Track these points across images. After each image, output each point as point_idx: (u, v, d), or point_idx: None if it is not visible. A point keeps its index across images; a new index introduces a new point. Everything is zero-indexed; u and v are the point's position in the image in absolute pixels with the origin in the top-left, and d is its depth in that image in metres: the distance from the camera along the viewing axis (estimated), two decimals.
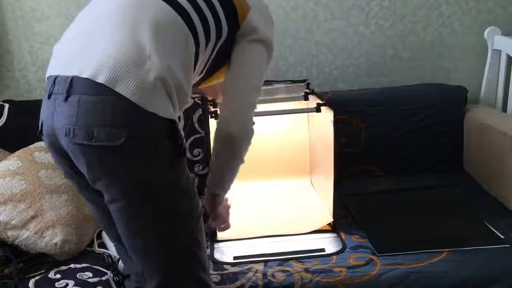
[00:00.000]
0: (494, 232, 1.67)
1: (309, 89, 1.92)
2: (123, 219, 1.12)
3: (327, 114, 1.71)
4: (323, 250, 1.62)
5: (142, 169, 1.07)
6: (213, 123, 1.66)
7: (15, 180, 1.65)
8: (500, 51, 2.18)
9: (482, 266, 1.51)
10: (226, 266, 1.56)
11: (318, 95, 1.87)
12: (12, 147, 1.85)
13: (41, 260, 1.59)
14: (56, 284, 1.50)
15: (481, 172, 2.05)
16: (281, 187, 2.09)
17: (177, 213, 1.14)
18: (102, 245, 1.67)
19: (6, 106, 2.01)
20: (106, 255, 1.61)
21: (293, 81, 2.00)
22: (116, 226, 1.16)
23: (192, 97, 2.08)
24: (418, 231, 1.72)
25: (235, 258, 1.61)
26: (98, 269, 1.55)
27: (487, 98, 2.23)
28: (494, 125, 1.97)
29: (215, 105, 1.73)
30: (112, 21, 1.10)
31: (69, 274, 1.53)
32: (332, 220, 1.75)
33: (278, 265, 1.55)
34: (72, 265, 1.58)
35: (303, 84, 1.95)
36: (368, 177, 2.11)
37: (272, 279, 1.49)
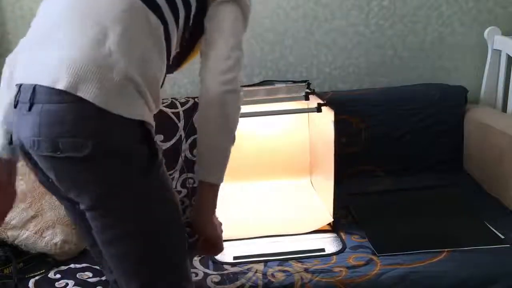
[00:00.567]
0: (494, 232, 1.67)
1: (310, 89, 1.92)
2: (97, 228, 1.06)
3: (327, 114, 1.70)
4: (323, 250, 1.62)
5: (113, 179, 1.01)
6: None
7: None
8: (500, 51, 2.18)
9: (482, 266, 1.50)
10: (226, 266, 1.56)
11: (319, 95, 1.87)
12: None
13: (41, 260, 1.59)
14: (56, 284, 1.50)
15: (481, 172, 2.05)
16: (281, 187, 2.09)
17: (154, 223, 1.07)
18: None
19: None
20: None
21: (294, 81, 2.00)
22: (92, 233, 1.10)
23: (192, 97, 2.09)
24: (418, 231, 1.72)
25: (235, 258, 1.61)
26: (98, 269, 1.55)
27: (487, 98, 2.23)
28: (494, 125, 1.97)
29: None
30: (63, 20, 1.03)
31: (69, 274, 1.53)
32: (332, 220, 1.75)
33: (278, 265, 1.55)
34: (72, 265, 1.58)
35: (304, 84, 1.95)
36: (368, 177, 2.11)
37: (272, 279, 1.49)
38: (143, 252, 1.08)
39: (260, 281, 1.48)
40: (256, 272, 1.52)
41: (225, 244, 1.67)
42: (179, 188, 2.07)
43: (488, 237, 1.65)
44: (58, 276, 1.54)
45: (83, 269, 1.56)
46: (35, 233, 1.58)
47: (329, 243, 1.67)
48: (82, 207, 1.05)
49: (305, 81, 1.97)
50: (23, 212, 1.59)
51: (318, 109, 1.72)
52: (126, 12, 1.02)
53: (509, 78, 2.18)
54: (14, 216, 1.58)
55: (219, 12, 1.16)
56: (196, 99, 2.01)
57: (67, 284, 1.50)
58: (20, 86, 1.02)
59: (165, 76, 1.15)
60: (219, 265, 1.57)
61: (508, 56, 2.15)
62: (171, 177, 2.07)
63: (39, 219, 1.59)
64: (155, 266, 1.10)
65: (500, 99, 2.20)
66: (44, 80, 0.97)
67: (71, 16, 1.02)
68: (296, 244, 1.67)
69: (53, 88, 0.95)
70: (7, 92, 1.11)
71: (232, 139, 1.17)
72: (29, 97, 0.98)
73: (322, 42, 2.24)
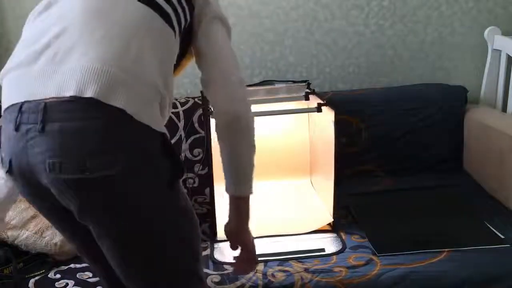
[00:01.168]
0: (494, 232, 1.67)
1: (310, 89, 1.92)
2: (117, 251, 1.00)
3: (327, 114, 1.70)
4: (323, 250, 1.62)
5: (143, 196, 0.95)
6: (213, 123, 1.66)
7: None
8: (500, 51, 2.18)
9: (482, 266, 1.50)
10: (226, 266, 1.56)
11: (319, 95, 1.87)
12: None
13: (41, 260, 1.59)
14: (56, 284, 1.50)
15: (481, 172, 2.05)
16: (281, 187, 2.09)
17: (181, 238, 1.06)
18: None
19: None
20: None
21: (294, 81, 2.00)
22: (103, 253, 1.04)
23: (192, 97, 2.09)
24: (418, 231, 1.72)
25: (235, 258, 1.60)
26: None
27: (487, 98, 2.23)
28: (494, 125, 1.97)
29: None
30: (77, 28, 0.96)
31: (69, 274, 1.54)
32: (332, 220, 1.75)
33: (278, 265, 1.55)
34: (72, 265, 1.58)
35: (304, 84, 1.95)
36: (368, 177, 2.11)
37: (272, 279, 1.49)
38: (170, 269, 1.06)
39: (260, 281, 1.48)
40: (256, 272, 1.52)
41: (225, 244, 1.69)
42: None
43: (488, 237, 1.65)
44: (58, 276, 1.54)
45: (83, 269, 1.56)
46: (35, 233, 1.58)
47: (329, 243, 1.67)
48: (98, 231, 0.98)
49: (305, 81, 1.97)
50: (23, 212, 1.59)
51: (318, 109, 1.71)
52: (146, 19, 1.00)
53: (509, 78, 2.18)
54: (14, 216, 1.58)
55: (211, 32, 1.17)
56: (196, 99, 2.01)
57: (67, 284, 1.50)
58: (21, 105, 0.93)
59: None
60: (219, 265, 1.57)
61: (508, 56, 2.15)
62: None
63: (39, 219, 1.59)
64: (180, 283, 1.10)
65: (500, 99, 2.20)
66: (67, 90, 0.88)
67: (90, 22, 0.96)
68: (296, 244, 1.67)
69: (74, 102, 0.88)
70: None
71: (254, 149, 1.20)
72: (41, 116, 0.89)
73: (322, 42, 2.24)
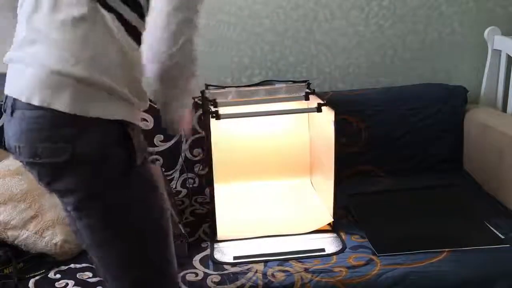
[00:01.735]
0: (494, 232, 1.67)
1: (310, 89, 1.92)
2: (82, 230, 1.07)
3: (327, 114, 1.70)
4: (323, 250, 1.62)
5: (92, 181, 1.01)
6: (213, 123, 1.66)
7: (15, 180, 1.65)
8: (500, 51, 2.18)
9: (482, 266, 1.50)
10: (226, 266, 1.56)
11: (319, 95, 1.87)
12: None
13: (41, 260, 1.59)
14: (56, 284, 1.50)
15: (481, 172, 2.05)
16: (281, 187, 2.09)
17: (136, 229, 1.07)
18: None
19: None
20: None
21: (294, 81, 2.00)
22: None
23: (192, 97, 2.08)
24: (418, 231, 1.72)
25: (235, 258, 1.61)
26: None
27: (487, 98, 2.23)
28: (494, 125, 1.97)
29: (215, 105, 1.73)
30: (27, 33, 1.02)
31: (69, 274, 1.53)
32: (332, 220, 1.75)
33: (278, 265, 1.55)
34: (72, 265, 1.58)
35: (304, 84, 1.95)
36: (368, 177, 2.11)
37: (272, 279, 1.49)
38: (125, 255, 1.08)
39: (260, 281, 1.48)
40: (256, 272, 1.52)
41: (225, 244, 1.69)
42: (179, 188, 2.07)
43: (488, 237, 1.65)
44: (58, 276, 1.54)
45: (83, 269, 1.56)
46: (35, 233, 1.58)
47: (329, 243, 1.67)
48: (68, 208, 1.06)
49: (305, 81, 1.97)
50: (23, 212, 1.59)
51: (318, 109, 1.71)
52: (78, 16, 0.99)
53: (509, 78, 2.18)
54: (14, 216, 1.58)
55: None
56: (196, 99, 2.01)
57: (67, 284, 1.50)
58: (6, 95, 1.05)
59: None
60: (219, 265, 1.56)
61: (508, 56, 2.15)
62: (171, 177, 2.08)
63: (39, 219, 1.59)
64: (137, 269, 1.10)
65: (500, 99, 2.20)
66: (21, 96, 0.99)
67: (28, 28, 1.02)
68: (296, 244, 1.67)
69: (28, 103, 0.97)
70: None
71: (189, 94, 1.22)
72: (11, 103, 1.01)
73: (322, 42, 2.24)
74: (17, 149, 1.01)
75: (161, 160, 2.08)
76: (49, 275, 1.54)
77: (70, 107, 0.96)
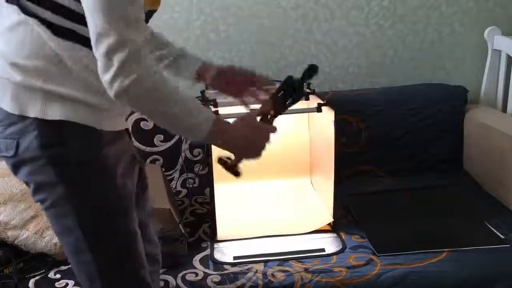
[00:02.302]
0: (494, 232, 1.67)
1: (310, 89, 1.92)
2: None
3: (327, 114, 1.70)
4: (323, 250, 1.62)
5: (38, 178, 1.05)
6: None
7: (15, 180, 1.64)
8: (500, 51, 2.18)
9: (482, 266, 1.51)
10: (226, 266, 1.56)
11: (319, 95, 1.87)
12: None
13: (41, 260, 1.59)
14: (56, 284, 1.51)
15: (481, 172, 2.05)
16: (281, 187, 2.09)
17: (84, 224, 1.08)
18: None
19: None
20: None
21: None
22: None
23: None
24: (418, 231, 1.72)
25: (235, 258, 1.61)
26: None
27: (487, 98, 2.23)
28: (494, 125, 1.97)
29: (215, 105, 1.73)
30: None
31: (69, 274, 1.53)
32: (332, 220, 1.75)
33: (278, 265, 1.55)
34: None
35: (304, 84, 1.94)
36: (368, 177, 2.11)
37: (272, 279, 1.49)
38: (74, 246, 1.10)
39: (260, 281, 1.48)
40: (256, 272, 1.52)
41: (225, 244, 1.69)
42: (179, 188, 2.07)
43: (488, 237, 1.65)
44: (58, 276, 1.54)
45: None
46: (35, 233, 1.58)
47: (329, 243, 1.67)
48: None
49: None
50: (23, 212, 1.59)
51: (318, 109, 1.71)
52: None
53: (509, 78, 2.18)
54: (14, 216, 1.58)
55: None
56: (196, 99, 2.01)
57: (67, 284, 1.50)
58: None
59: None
60: (219, 265, 1.57)
61: (508, 56, 2.15)
62: (171, 177, 2.08)
63: (39, 219, 1.59)
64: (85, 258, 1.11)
65: (500, 99, 2.20)
66: None
67: None
68: (296, 244, 1.67)
69: None
70: None
71: (168, 105, 1.01)
72: None
73: (322, 42, 2.24)
74: None
75: (161, 160, 2.09)
76: (49, 275, 1.54)
77: (12, 107, 1.01)
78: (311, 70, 1.25)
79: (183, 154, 2.07)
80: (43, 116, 1.01)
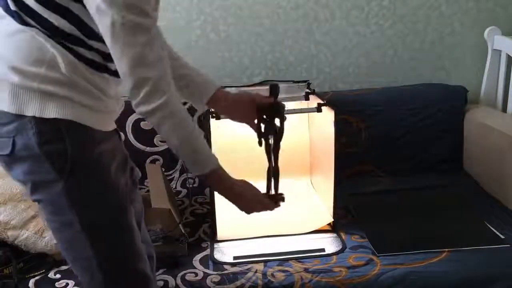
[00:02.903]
0: (494, 232, 1.67)
1: (310, 89, 1.92)
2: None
3: (327, 114, 1.71)
4: (323, 250, 1.62)
5: (35, 176, 1.07)
6: (213, 123, 1.66)
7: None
8: (500, 51, 2.18)
9: (482, 266, 1.51)
10: (226, 266, 1.56)
11: (319, 95, 1.87)
12: None
13: (41, 260, 1.59)
14: (56, 284, 1.50)
15: (481, 172, 2.05)
16: (281, 187, 2.09)
17: (79, 223, 1.09)
18: None
19: None
20: None
21: (294, 81, 2.00)
22: None
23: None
24: (418, 231, 1.72)
25: (235, 258, 1.61)
26: None
27: (487, 98, 2.23)
28: (494, 125, 1.97)
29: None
30: None
31: (69, 274, 1.53)
32: (332, 220, 1.75)
33: (278, 265, 1.55)
34: None
35: (304, 84, 1.95)
36: (368, 177, 2.11)
37: (272, 279, 1.49)
38: (70, 245, 1.13)
39: (260, 281, 1.48)
40: (256, 272, 1.52)
41: (225, 244, 1.69)
42: (179, 188, 2.07)
43: (488, 237, 1.65)
44: (58, 276, 1.54)
45: None
46: (35, 233, 1.58)
47: (329, 243, 1.67)
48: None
49: (305, 81, 1.97)
50: (23, 212, 1.59)
51: (318, 109, 1.71)
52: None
53: (509, 78, 2.18)
54: (14, 216, 1.58)
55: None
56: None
57: (67, 284, 1.50)
58: None
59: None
60: (219, 265, 1.57)
61: (508, 56, 2.15)
62: (171, 177, 2.08)
63: (39, 219, 1.59)
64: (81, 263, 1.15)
65: (500, 99, 2.20)
66: None
67: None
68: (296, 244, 1.67)
69: None
70: None
71: (182, 136, 1.17)
72: None
73: (322, 42, 2.24)
74: None
75: (161, 160, 2.09)
76: (49, 275, 1.54)
77: (10, 107, 1.03)
78: (273, 89, 1.38)
79: None
80: (40, 114, 1.03)
